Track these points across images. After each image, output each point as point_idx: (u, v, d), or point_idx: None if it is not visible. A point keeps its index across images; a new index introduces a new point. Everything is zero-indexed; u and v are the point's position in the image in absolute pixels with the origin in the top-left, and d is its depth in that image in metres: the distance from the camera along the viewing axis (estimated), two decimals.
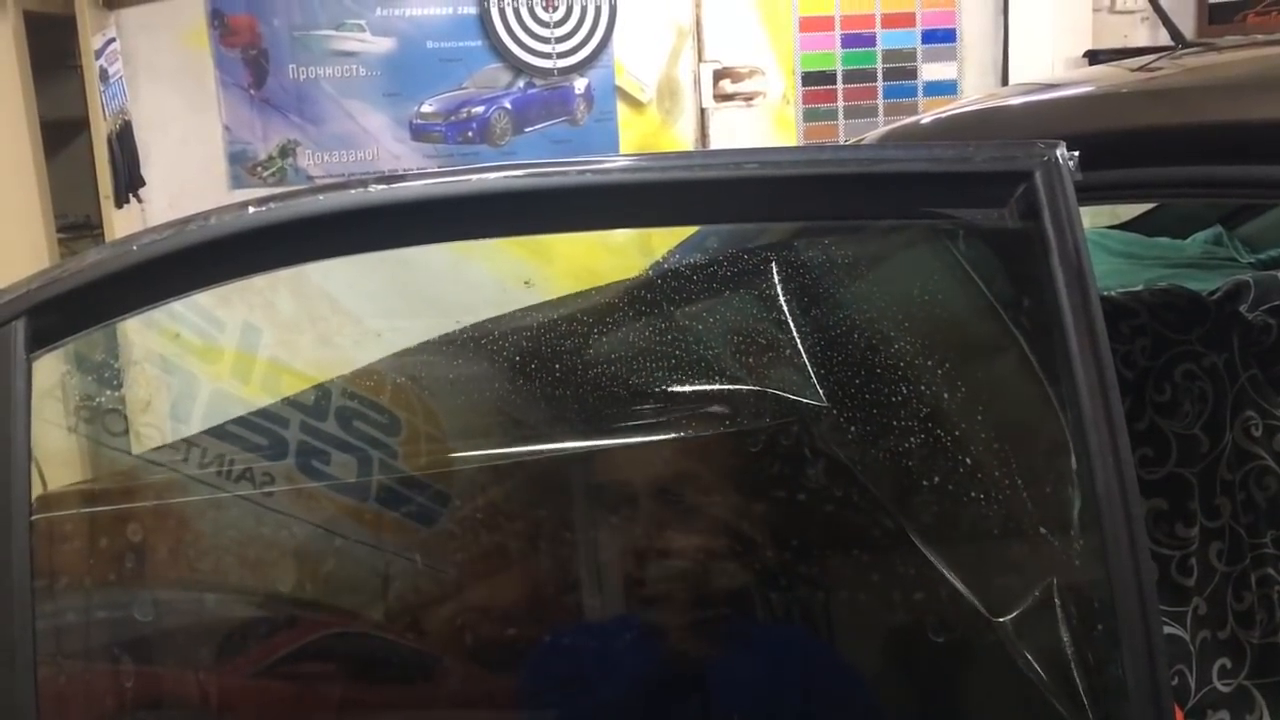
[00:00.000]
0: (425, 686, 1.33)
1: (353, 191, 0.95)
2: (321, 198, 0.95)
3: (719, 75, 4.67)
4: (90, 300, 0.94)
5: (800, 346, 1.23)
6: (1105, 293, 1.49)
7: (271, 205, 0.94)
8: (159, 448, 1.43)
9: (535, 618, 1.33)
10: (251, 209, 0.94)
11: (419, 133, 4.31)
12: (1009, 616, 1.10)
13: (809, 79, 4.79)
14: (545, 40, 4.43)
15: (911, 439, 1.17)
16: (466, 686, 1.31)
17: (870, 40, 4.83)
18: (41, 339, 0.92)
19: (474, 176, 0.98)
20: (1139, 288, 1.54)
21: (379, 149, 4.27)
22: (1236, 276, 1.60)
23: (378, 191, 0.95)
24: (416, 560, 1.40)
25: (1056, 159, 0.96)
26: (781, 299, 1.25)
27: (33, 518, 0.88)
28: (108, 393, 1.27)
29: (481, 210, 0.98)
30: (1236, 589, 1.44)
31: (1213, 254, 2.26)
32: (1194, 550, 1.42)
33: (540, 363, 1.30)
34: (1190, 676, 1.40)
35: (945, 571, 1.14)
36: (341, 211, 0.95)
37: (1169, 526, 1.42)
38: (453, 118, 4.35)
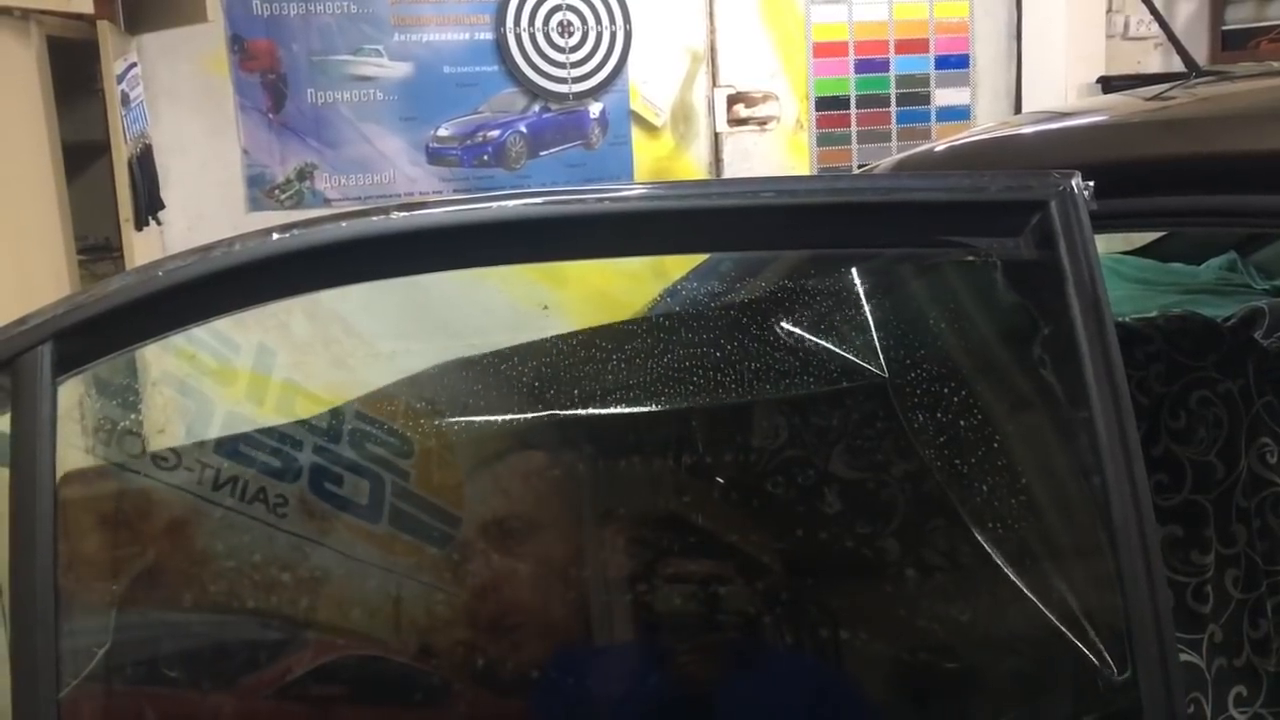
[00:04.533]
0: (438, 709, 1.33)
1: (375, 219, 0.96)
2: (344, 224, 0.96)
3: (733, 100, 4.69)
4: (115, 325, 0.95)
5: (812, 373, 1.24)
6: (1120, 319, 1.49)
7: (295, 232, 0.96)
8: (173, 467, 1.44)
9: (557, 639, 1.33)
10: (275, 235, 0.95)
11: (435, 156, 4.34)
12: (1023, 643, 1.10)
13: (822, 104, 4.81)
14: (561, 65, 4.46)
15: (927, 464, 1.17)
16: (482, 710, 1.31)
17: (884, 65, 4.85)
18: (67, 363, 0.94)
19: (494, 204, 0.99)
20: (1154, 314, 1.54)
21: (395, 172, 4.30)
22: (1251, 303, 1.60)
23: (400, 219, 0.96)
24: (431, 582, 1.41)
25: (1072, 189, 0.96)
26: (793, 326, 1.26)
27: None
28: (126, 414, 1.28)
29: (503, 237, 0.99)
30: (1252, 616, 1.43)
31: (1227, 280, 2.26)
32: (1210, 577, 1.42)
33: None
34: (1206, 704, 1.39)
35: (960, 598, 1.14)
36: (364, 238, 0.96)
37: (1185, 553, 1.42)
38: (469, 141, 4.38)
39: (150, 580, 1.29)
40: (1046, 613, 1.08)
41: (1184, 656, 1.37)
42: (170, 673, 1.24)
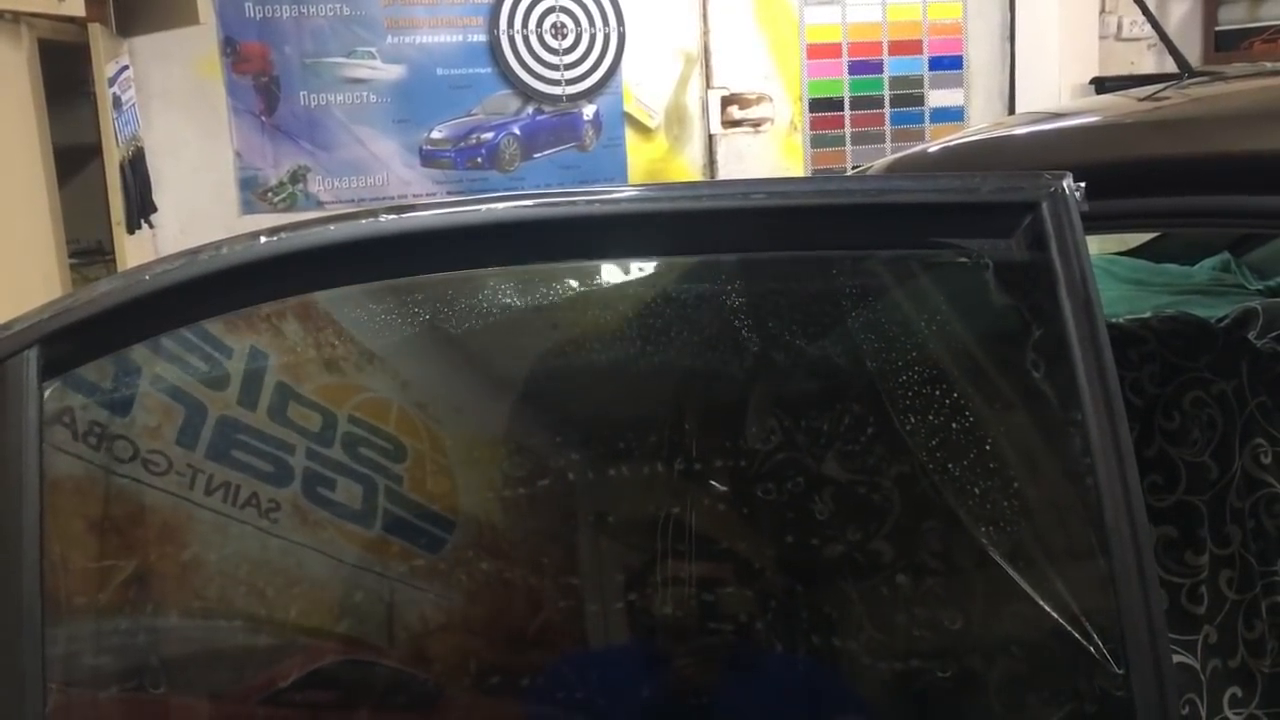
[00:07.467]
0: (430, 715, 1.32)
1: (363, 222, 0.96)
2: (332, 228, 0.96)
3: (727, 101, 4.69)
4: (101, 329, 0.95)
5: (806, 374, 1.24)
6: (1113, 320, 1.49)
7: (282, 235, 0.95)
8: (163, 471, 1.43)
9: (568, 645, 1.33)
10: (263, 239, 0.95)
11: (429, 159, 4.33)
12: (1017, 647, 1.09)
13: (816, 105, 4.81)
14: (554, 67, 4.46)
15: (920, 467, 1.17)
16: (473, 716, 1.31)
17: (878, 67, 4.85)
18: (53, 368, 0.93)
19: (484, 206, 0.98)
20: (1147, 315, 1.54)
21: (389, 175, 4.29)
22: (1245, 304, 1.61)
23: (388, 221, 0.96)
24: (424, 587, 1.40)
25: (1063, 190, 0.96)
26: (785, 329, 1.26)
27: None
28: (115, 419, 1.27)
29: (493, 240, 0.99)
30: (1247, 617, 1.43)
31: (1220, 281, 2.25)
32: (1204, 578, 1.41)
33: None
34: (1201, 705, 1.39)
35: (953, 601, 1.13)
36: (352, 241, 0.96)
37: (1179, 554, 1.41)
38: (462, 144, 4.37)
39: (139, 586, 1.28)
40: (1040, 615, 1.08)
41: (1179, 658, 1.37)
42: (160, 680, 1.23)
